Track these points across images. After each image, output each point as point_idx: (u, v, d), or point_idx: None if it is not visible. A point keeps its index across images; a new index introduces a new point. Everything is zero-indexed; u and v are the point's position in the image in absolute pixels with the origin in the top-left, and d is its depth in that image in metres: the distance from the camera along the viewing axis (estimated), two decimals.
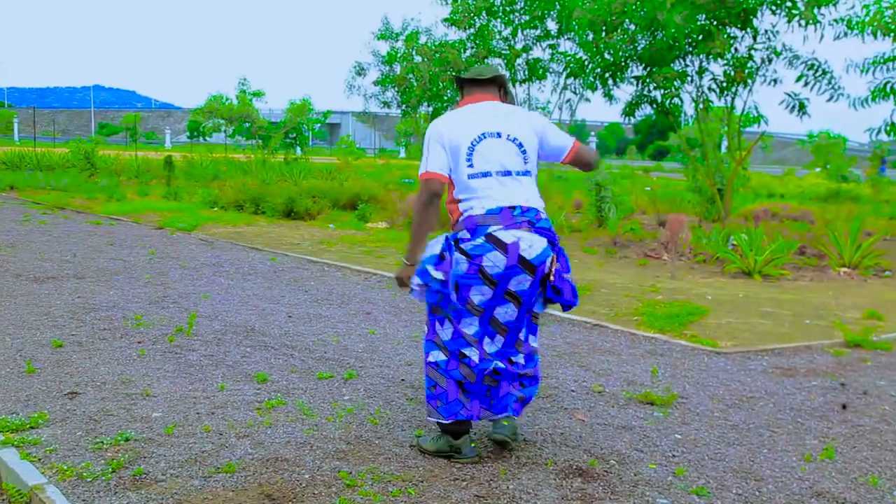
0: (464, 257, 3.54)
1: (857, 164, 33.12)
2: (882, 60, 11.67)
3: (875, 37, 11.20)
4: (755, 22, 11.72)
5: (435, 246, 3.61)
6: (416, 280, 3.63)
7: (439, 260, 3.58)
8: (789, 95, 12.05)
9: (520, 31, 15.95)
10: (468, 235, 3.56)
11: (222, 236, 11.66)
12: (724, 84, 12.20)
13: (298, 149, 30.79)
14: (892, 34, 11.09)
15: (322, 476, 3.47)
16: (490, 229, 3.51)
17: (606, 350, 5.79)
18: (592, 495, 3.35)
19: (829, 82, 11.71)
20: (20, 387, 4.55)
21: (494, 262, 3.50)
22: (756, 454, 3.87)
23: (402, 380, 4.89)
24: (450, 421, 3.65)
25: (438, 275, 3.56)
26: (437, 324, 3.70)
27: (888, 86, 11.70)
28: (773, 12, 11.56)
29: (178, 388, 4.60)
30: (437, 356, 3.66)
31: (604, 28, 12.03)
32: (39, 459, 3.55)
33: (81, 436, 3.85)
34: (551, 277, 3.59)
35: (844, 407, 4.44)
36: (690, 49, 11.89)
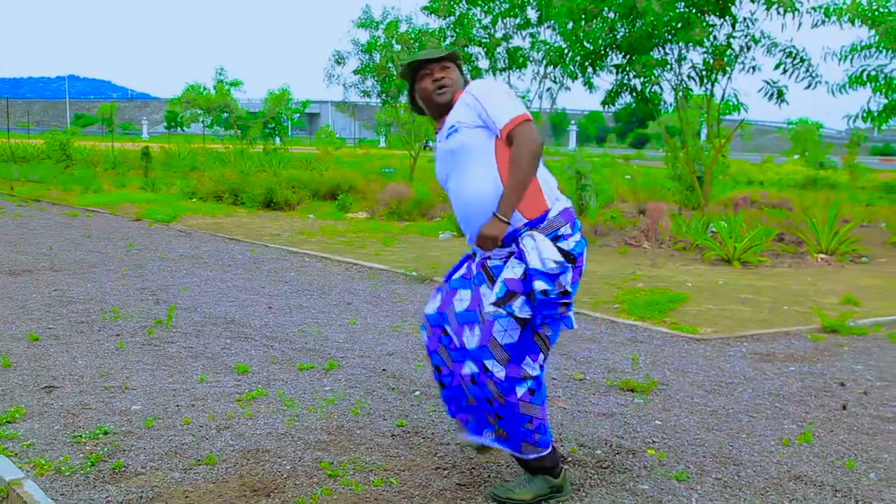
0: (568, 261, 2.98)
1: (833, 151, 33.52)
2: (859, 48, 11.78)
3: (852, 24, 11.31)
4: (734, 10, 11.78)
5: (551, 248, 2.95)
6: (519, 303, 2.95)
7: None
8: (768, 83, 12.14)
9: (500, 19, 15.93)
10: (570, 231, 3.04)
11: (201, 227, 11.59)
12: (704, 72, 12.27)
13: (277, 139, 30.63)
14: (869, 22, 11.19)
15: (304, 467, 3.47)
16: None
17: (587, 338, 5.82)
18: (573, 482, 3.37)
19: (807, 70, 11.81)
20: None
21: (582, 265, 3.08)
22: (735, 439, 3.91)
23: (384, 370, 4.89)
24: (549, 450, 3.16)
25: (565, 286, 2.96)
26: (529, 358, 3.06)
27: (865, 73, 11.81)
28: (752, 0, 11.63)
29: (157, 381, 4.58)
30: (526, 388, 3.05)
31: (583, 17, 12.04)
32: (17, 454, 3.52)
33: (59, 430, 3.82)
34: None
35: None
36: (670, 37, 11.93)
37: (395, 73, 18.62)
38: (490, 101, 3.03)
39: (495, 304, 2.96)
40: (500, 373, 3.02)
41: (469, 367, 3.11)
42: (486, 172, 3.02)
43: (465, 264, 3.31)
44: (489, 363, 3.02)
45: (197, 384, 4.54)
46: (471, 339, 3.08)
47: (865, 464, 3.66)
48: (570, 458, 3.62)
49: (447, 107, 3.18)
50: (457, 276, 3.29)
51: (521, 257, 2.97)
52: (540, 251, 2.92)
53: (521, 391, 3.04)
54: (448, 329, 3.23)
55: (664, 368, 5.08)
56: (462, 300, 3.18)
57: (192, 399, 4.29)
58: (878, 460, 3.70)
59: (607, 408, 4.32)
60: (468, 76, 3.23)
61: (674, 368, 5.09)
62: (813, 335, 6.01)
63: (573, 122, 71.70)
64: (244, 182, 15.36)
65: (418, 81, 3.22)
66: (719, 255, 9.47)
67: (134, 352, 5.16)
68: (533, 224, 3.00)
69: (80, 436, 3.74)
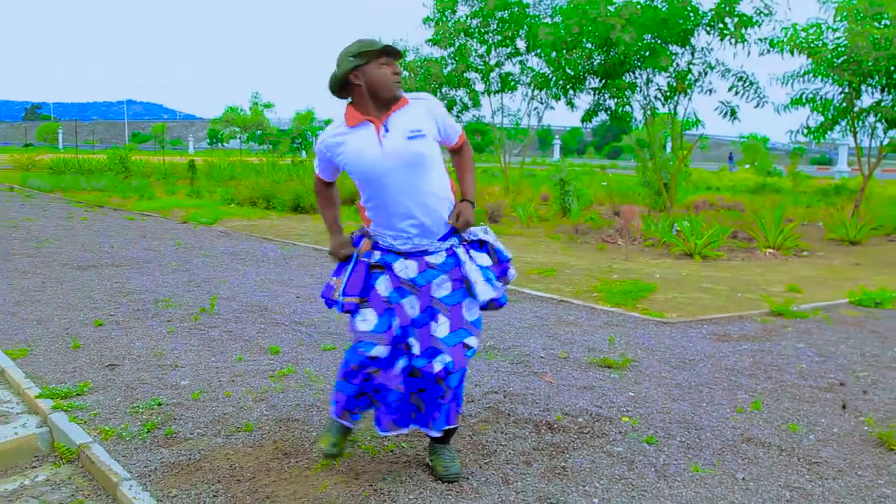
0: None
1: (778, 161, 33.48)
2: (799, 74, 11.79)
3: (792, 54, 11.33)
4: (693, 40, 11.77)
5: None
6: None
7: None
8: (722, 103, 12.12)
9: (493, 49, 15.91)
10: None
11: (238, 229, 11.58)
12: (668, 94, 12.25)
13: (304, 152, 30.61)
14: (806, 52, 11.20)
15: None
16: None
17: (570, 322, 5.81)
18: (559, 445, 3.37)
19: (756, 92, 11.81)
20: (67, 360, 4.51)
21: None
22: (696, 407, 3.90)
23: None
24: None
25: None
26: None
27: (803, 95, 11.81)
28: (708, 32, 11.62)
29: (202, 360, 4.58)
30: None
31: (565, 47, 12.02)
32: (85, 422, 3.53)
33: (121, 401, 3.82)
34: None
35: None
36: (639, 64, 11.91)
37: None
38: (449, 118, 3.00)
39: (501, 283, 2.99)
40: (474, 343, 2.93)
41: (440, 362, 2.83)
42: (442, 174, 2.93)
43: (383, 279, 2.93)
44: (468, 340, 2.90)
45: (236, 363, 4.54)
46: (440, 327, 2.86)
47: (806, 427, 3.65)
48: (555, 426, 3.62)
49: (393, 101, 2.83)
50: (385, 291, 2.91)
51: (476, 248, 2.98)
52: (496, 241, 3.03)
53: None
54: (410, 340, 2.87)
55: (636, 348, 5.07)
56: (413, 307, 2.88)
57: (232, 375, 4.29)
58: (817, 424, 3.70)
59: (588, 382, 4.31)
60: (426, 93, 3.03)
61: (644, 348, 5.08)
62: (762, 318, 5.99)
63: (557, 136, 71.45)
64: (275, 189, 15.32)
65: (377, 67, 2.78)
66: (683, 250, 9.45)
67: (182, 335, 5.16)
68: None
69: (138, 407, 3.74)
